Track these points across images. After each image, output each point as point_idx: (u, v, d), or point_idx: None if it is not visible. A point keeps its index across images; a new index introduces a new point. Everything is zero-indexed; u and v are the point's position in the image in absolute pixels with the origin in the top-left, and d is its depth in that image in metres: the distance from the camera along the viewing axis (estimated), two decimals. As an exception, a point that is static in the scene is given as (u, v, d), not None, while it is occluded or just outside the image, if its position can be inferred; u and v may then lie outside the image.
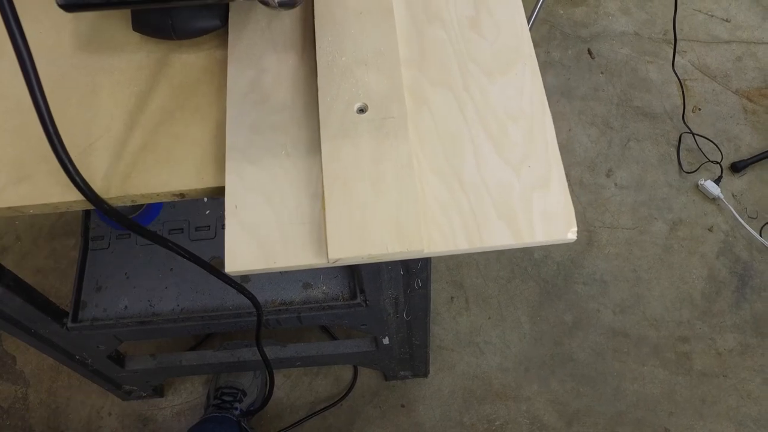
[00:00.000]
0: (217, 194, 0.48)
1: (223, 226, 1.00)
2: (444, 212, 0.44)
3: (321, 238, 0.43)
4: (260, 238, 0.43)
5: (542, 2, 1.49)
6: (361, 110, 0.46)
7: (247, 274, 0.42)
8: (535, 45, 1.59)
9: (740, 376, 1.23)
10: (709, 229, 1.37)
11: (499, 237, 0.43)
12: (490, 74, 0.49)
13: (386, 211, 0.43)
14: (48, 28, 0.54)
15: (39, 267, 1.38)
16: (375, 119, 0.45)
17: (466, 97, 0.48)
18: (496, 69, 0.50)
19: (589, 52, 1.58)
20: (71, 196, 0.47)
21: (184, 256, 0.57)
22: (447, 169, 0.45)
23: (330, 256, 0.41)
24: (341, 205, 0.43)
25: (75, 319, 0.94)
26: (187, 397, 1.26)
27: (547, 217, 0.44)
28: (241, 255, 0.42)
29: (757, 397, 1.21)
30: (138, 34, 0.52)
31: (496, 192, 0.45)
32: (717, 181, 1.39)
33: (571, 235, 0.44)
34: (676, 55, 1.47)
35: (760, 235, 1.33)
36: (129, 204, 0.48)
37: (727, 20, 1.61)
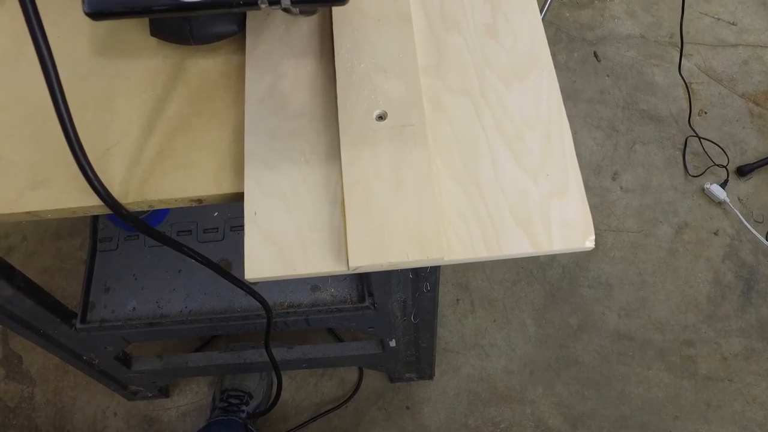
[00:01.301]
0: (235, 200, 0.48)
1: (231, 228, 1.01)
2: (462, 220, 0.44)
3: (340, 245, 0.43)
4: (280, 245, 0.43)
5: (548, 5, 1.49)
6: (381, 117, 0.46)
7: (266, 280, 0.42)
8: (542, 48, 1.60)
9: (745, 381, 1.23)
10: (714, 233, 1.37)
11: (517, 245, 0.43)
12: (507, 81, 0.50)
13: (406, 218, 0.43)
14: (66, 33, 0.54)
15: (45, 267, 1.38)
16: (394, 127, 0.46)
17: (484, 104, 0.48)
18: (513, 76, 0.50)
19: (595, 55, 1.58)
20: (89, 201, 0.47)
21: (201, 262, 0.57)
22: (465, 176, 0.46)
23: (351, 264, 0.41)
24: (361, 212, 0.43)
25: (83, 321, 0.94)
26: (192, 398, 1.26)
27: (565, 225, 0.44)
28: (261, 262, 0.43)
29: (762, 402, 1.21)
30: (155, 39, 0.52)
31: (513, 199, 0.45)
32: (723, 184, 1.39)
33: (589, 243, 0.44)
34: (683, 58, 1.47)
35: (766, 240, 1.33)
36: (146, 209, 0.49)
37: (733, 24, 1.61)
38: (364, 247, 0.42)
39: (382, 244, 0.42)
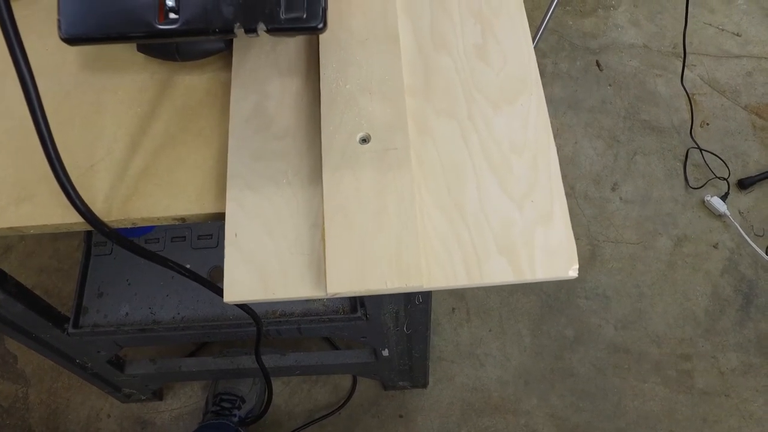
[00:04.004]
0: (218, 220, 0.47)
1: (225, 235, 1.01)
2: (444, 246, 0.43)
3: (320, 270, 0.43)
4: (259, 268, 0.43)
5: (551, 13, 1.48)
6: (364, 140, 0.46)
7: (245, 303, 0.42)
8: (543, 56, 1.59)
9: (742, 396, 1.22)
10: (714, 246, 1.36)
11: (499, 273, 0.43)
12: (495, 104, 0.49)
13: (386, 244, 0.42)
14: (54, 46, 0.54)
15: (43, 266, 1.38)
16: (378, 150, 0.45)
17: (470, 128, 0.48)
18: (502, 99, 0.49)
19: (598, 63, 1.57)
20: (72, 218, 0.47)
21: (184, 275, 0.57)
22: (449, 202, 0.45)
23: (328, 290, 0.41)
24: (341, 237, 0.42)
25: (76, 325, 0.94)
26: (186, 401, 1.26)
27: (549, 253, 0.44)
28: (240, 285, 0.42)
29: (759, 418, 1.20)
30: (142, 54, 0.52)
31: (497, 226, 0.44)
32: (723, 197, 1.38)
33: (573, 272, 0.43)
34: (686, 68, 1.46)
35: (766, 254, 1.32)
36: (129, 227, 0.48)
37: (738, 34, 1.60)
38: (343, 273, 0.41)
39: (362, 271, 0.41)
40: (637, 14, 1.63)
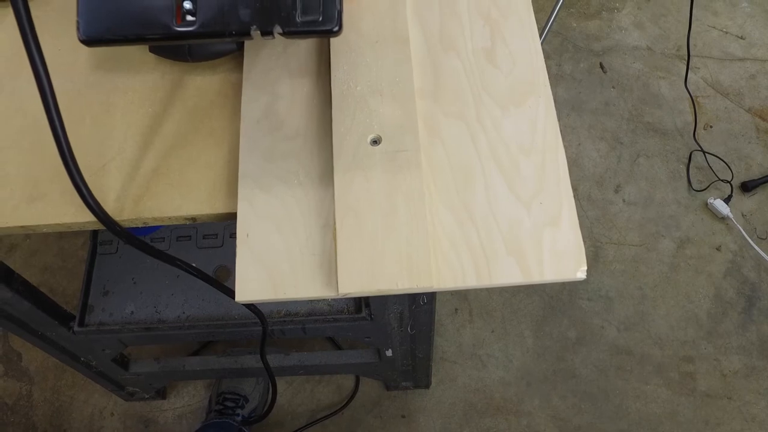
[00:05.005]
0: (229, 220, 0.48)
1: (231, 235, 1.01)
2: (454, 247, 0.44)
3: (331, 270, 0.43)
4: (270, 268, 0.43)
5: (555, 15, 1.48)
6: (375, 142, 0.46)
7: (256, 303, 0.42)
8: (547, 57, 1.59)
9: (745, 399, 1.22)
10: (717, 249, 1.36)
11: (508, 274, 0.43)
12: (503, 106, 0.49)
13: (397, 245, 0.43)
14: (67, 45, 0.54)
15: (47, 265, 1.39)
16: (388, 151, 0.45)
17: (479, 130, 0.48)
18: (510, 101, 0.50)
19: (601, 65, 1.57)
20: (84, 217, 0.48)
21: (194, 275, 0.57)
22: (458, 203, 0.45)
23: (340, 291, 0.41)
24: (352, 238, 0.43)
25: (81, 323, 0.94)
26: (189, 400, 1.27)
27: (557, 255, 0.44)
28: (251, 285, 0.43)
29: (762, 421, 1.20)
30: (154, 55, 0.52)
31: (506, 228, 0.45)
32: (726, 200, 1.38)
33: (581, 274, 0.44)
34: (689, 71, 1.47)
35: (768, 257, 1.33)
36: (141, 226, 0.49)
37: (741, 37, 1.60)
38: (354, 273, 0.42)
39: (372, 271, 0.42)
40: (641, 16, 1.64)
